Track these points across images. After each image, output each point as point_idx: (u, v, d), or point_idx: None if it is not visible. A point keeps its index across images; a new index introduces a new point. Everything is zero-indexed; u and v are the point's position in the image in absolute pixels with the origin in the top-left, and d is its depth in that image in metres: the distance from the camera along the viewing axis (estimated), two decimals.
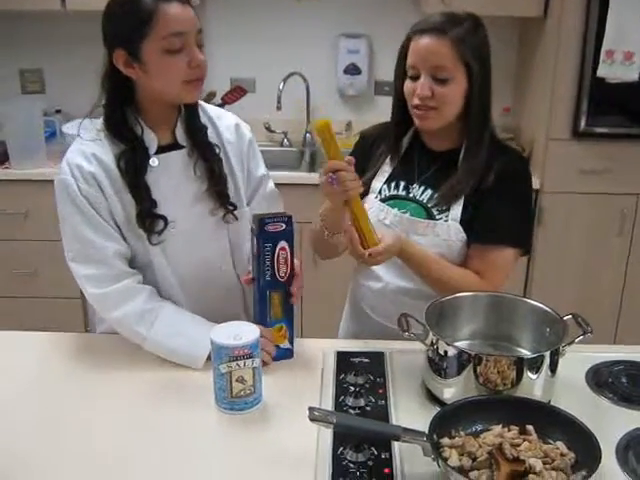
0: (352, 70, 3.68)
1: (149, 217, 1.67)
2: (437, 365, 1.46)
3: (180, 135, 1.73)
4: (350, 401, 1.48)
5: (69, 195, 1.64)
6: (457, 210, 1.76)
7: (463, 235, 1.76)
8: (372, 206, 1.83)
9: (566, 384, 1.53)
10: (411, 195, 1.82)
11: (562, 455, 1.24)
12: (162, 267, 1.73)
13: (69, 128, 3.31)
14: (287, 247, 1.59)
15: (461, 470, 1.21)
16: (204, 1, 3.54)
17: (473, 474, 1.20)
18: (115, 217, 1.67)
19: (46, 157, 3.36)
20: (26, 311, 3.44)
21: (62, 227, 1.71)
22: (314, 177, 3.31)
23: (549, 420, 1.32)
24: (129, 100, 1.67)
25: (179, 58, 1.57)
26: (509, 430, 1.30)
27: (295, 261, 1.65)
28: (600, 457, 1.19)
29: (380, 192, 1.86)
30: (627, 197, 3.27)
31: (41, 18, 3.58)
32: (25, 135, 3.34)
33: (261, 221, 1.58)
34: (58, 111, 3.68)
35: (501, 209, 1.74)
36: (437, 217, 1.77)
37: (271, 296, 1.64)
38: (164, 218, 1.69)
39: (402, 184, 1.85)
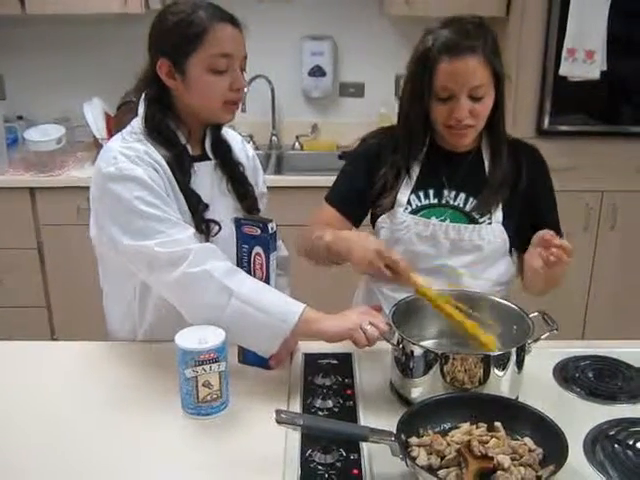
0: (317, 72, 3.68)
1: (204, 220, 1.67)
2: (404, 365, 1.46)
3: (209, 148, 1.76)
4: (318, 403, 1.48)
5: (137, 180, 1.55)
6: (498, 212, 1.78)
7: (505, 236, 1.80)
8: (404, 220, 1.79)
9: (534, 380, 1.54)
10: (444, 201, 1.80)
11: (530, 451, 1.25)
12: None
13: (31, 134, 3.27)
14: (262, 253, 1.57)
15: (430, 469, 1.20)
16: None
17: (442, 473, 1.20)
18: None
19: (8, 164, 3.31)
20: None
21: (129, 218, 1.55)
22: (281, 179, 3.31)
23: (517, 416, 1.32)
24: (167, 107, 1.67)
25: (222, 78, 1.60)
26: (477, 427, 1.30)
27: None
28: (567, 452, 1.19)
29: (410, 203, 1.81)
30: (592, 193, 3.31)
31: (0, 23, 3.51)
32: None
33: (238, 222, 1.59)
34: (20, 117, 3.65)
35: (549, 206, 1.86)
36: (480, 220, 1.78)
37: None
38: (216, 222, 1.69)
39: (431, 192, 1.81)
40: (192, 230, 1.60)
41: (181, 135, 1.68)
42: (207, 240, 1.67)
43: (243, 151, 1.89)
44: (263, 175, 1.97)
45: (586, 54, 2.97)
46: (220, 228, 1.70)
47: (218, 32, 1.58)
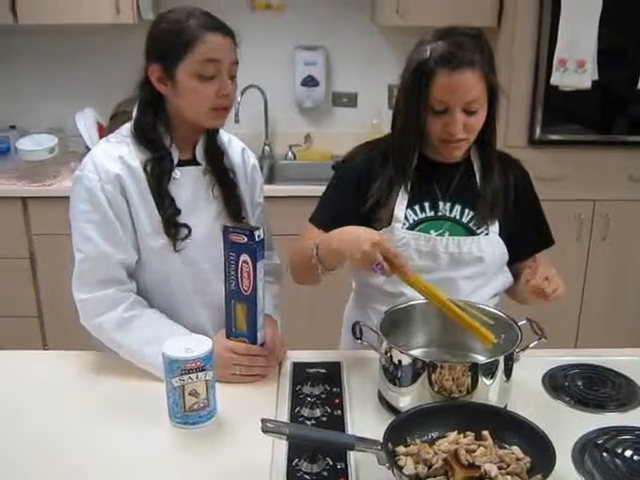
0: (309, 82, 3.68)
1: (174, 225, 1.68)
2: (392, 374, 1.45)
3: (199, 153, 1.77)
4: (306, 412, 1.47)
5: (90, 193, 1.63)
6: (495, 224, 1.78)
7: (503, 248, 1.79)
8: (403, 236, 1.75)
9: (523, 389, 1.54)
10: (440, 214, 1.78)
11: (518, 460, 1.24)
12: (181, 274, 1.72)
13: (23, 144, 3.27)
14: (249, 261, 1.56)
15: (417, 478, 1.20)
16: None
17: None
18: (137, 222, 1.67)
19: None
20: None
21: (73, 225, 1.67)
22: (273, 189, 3.30)
23: (505, 425, 1.32)
24: (159, 111, 1.70)
25: (209, 85, 1.62)
26: (465, 436, 1.30)
27: (271, 333, 1.67)
28: (554, 460, 1.18)
29: (406, 218, 1.77)
30: (583, 203, 3.32)
31: None
32: None
33: (226, 229, 1.58)
34: (12, 127, 3.63)
35: (536, 217, 1.89)
36: (478, 232, 1.77)
37: (235, 306, 1.62)
38: (187, 226, 1.70)
39: (427, 204, 1.78)
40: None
41: (168, 139, 1.70)
42: (175, 244, 1.69)
43: (241, 158, 1.88)
44: (262, 186, 1.96)
45: (577, 63, 2.98)
46: (189, 232, 1.70)
47: (207, 40, 1.60)
